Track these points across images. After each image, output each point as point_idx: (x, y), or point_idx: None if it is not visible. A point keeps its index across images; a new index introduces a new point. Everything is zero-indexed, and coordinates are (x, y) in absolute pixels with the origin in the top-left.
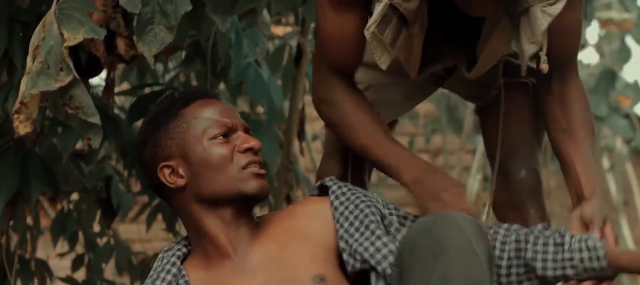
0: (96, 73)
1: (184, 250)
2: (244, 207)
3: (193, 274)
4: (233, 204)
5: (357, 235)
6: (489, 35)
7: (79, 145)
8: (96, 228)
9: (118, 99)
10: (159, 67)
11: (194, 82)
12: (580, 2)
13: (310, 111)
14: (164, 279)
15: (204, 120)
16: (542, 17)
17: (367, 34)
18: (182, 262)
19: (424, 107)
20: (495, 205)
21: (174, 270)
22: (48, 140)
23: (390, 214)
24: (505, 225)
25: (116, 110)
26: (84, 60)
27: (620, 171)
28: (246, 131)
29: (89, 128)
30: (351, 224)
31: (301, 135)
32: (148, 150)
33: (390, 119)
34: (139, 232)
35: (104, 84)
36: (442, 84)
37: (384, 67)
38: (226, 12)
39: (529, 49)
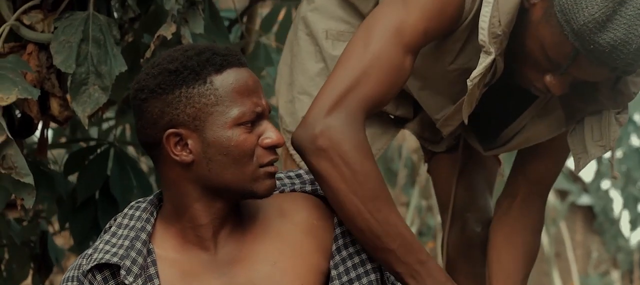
0: (30, 133)
1: (152, 220)
2: (241, 202)
3: (163, 251)
4: (233, 199)
5: None
6: (533, 121)
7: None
8: (28, 281)
9: (51, 153)
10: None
11: (129, 134)
12: None
13: None
14: (134, 260)
15: (236, 99)
16: (616, 124)
17: (470, 84)
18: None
19: None
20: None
21: (144, 251)
22: None
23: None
24: None
25: (51, 165)
26: (18, 120)
27: (553, 224)
28: (268, 113)
29: (22, 188)
30: (351, 282)
31: None
32: (155, 105)
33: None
34: None
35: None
36: (404, 125)
37: (466, 120)
38: None
39: (595, 151)
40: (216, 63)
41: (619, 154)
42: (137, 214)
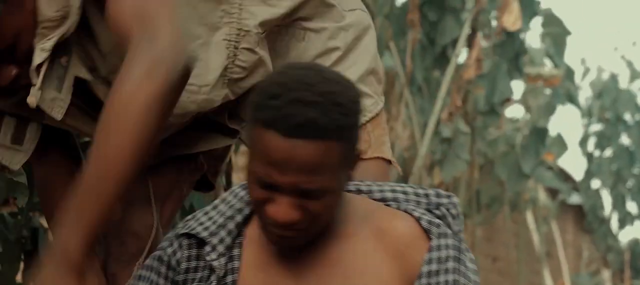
0: None
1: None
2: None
3: (255, 236)
4: None
5: None
6: None
7: None
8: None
9: None
10: None
11: None
12: None
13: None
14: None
15: (256, 156)
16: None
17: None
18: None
19: None
20: None
21: (235, 232)
22: None
23: None
24: None
25: None
26: None
27: (544, 223)
28: (302, 194)
29: (16, 187)
30: None
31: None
32: None
33: None
34: None
35: None
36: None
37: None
38: None
39: None
40: (264, 113)
41: (608, 153)
42: (242, 194)
